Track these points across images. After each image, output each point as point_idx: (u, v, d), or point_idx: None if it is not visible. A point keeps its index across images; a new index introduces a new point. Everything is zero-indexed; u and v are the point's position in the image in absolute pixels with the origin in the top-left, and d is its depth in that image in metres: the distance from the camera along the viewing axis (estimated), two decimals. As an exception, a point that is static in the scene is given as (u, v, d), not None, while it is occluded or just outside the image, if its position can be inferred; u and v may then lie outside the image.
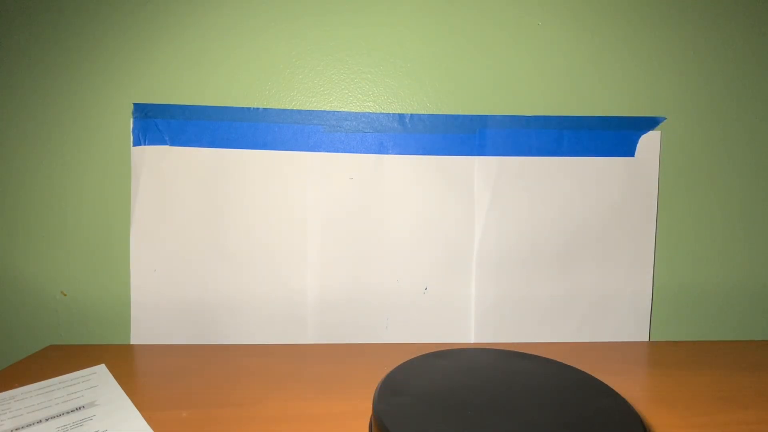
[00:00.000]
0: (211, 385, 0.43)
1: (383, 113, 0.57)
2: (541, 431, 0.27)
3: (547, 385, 0.33)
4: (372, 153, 0.57)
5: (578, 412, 0.29)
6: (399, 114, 0.57)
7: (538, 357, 0.38)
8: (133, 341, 0.57)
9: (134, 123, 0.55)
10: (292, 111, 0.56)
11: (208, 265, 0.57)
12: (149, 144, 0.56)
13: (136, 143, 0.55)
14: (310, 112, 0.56)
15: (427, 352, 0.40)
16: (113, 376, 0.44)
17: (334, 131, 0.57)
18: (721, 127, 0.59)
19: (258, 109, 0.56)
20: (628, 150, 0.58)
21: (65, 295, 0.57)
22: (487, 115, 0.57)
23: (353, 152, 0.57)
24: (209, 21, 0.55)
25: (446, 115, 0.57)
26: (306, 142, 0.56)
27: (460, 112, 0.57)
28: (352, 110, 0.57)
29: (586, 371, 0.37)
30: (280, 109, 0.56)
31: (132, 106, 0.55)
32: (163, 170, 0.56)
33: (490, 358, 0.38)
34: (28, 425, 0.35)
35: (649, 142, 0.58)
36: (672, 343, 0.56)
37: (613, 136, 0.58)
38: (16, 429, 0.34)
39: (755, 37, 0.58)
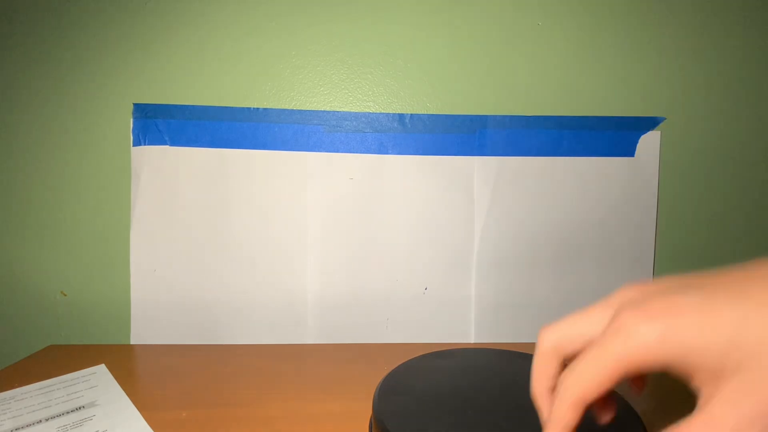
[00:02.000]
0: (211, 385, 0.43)
1: (383, 113, 0.57)
2: (540, 431, 0.27)
3: None
4: (372, 153, 0.57)
5: None
6: (399, 114, 0.57)
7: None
8: (133, 341, 0.57)
9: (134, 123, 0.55)
10: (292, 111, 0.56)
11: (208, 265, 0.57)
12: (149, 144, 0.56)
13: (136, 143, 0.55)
14: (310, 112, 0.56)
15: (427, 352, 0.40)
16: (113, 376, 0.44)
17: (335, 131, 0.57)
18: (721, 127, 0.59)
19: (258, 109, 0.56)
20: (628, 150, 0.58)
21: (65, 295, 0.57)
22: (487, 115, 0.57)
23: (353, 152, 0.57)
24: (209, 21, 0.55)
25: (446, 115, 0.57)
26: (306, 142, 0.56)
27: (460, 112, 0.57)
28: (353, 110, 0.57)
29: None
30: (280, 109, 0.56)
31: (132, 106, 0.55)
32: (163, 170, 0.56)
33: (490, 358, 0.38)
34: (28, 425, 0.35)
35: (649, 142, 0.58)
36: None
37: (612, 136, 0.58)
38: (16, 429, 0.34)
39: (755, 37, 0.58)
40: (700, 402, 0.16)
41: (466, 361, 0.38)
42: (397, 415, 0.30)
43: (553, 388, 0.20)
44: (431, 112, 0.57)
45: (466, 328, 0.59)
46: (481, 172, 0.57)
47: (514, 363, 0.37)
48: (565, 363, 0.20)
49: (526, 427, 0.28)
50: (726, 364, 0.15)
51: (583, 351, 0.18)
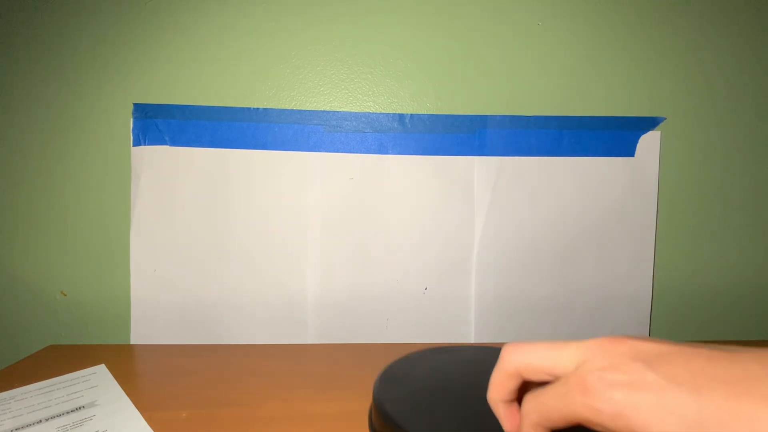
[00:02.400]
0: (211, 385, 0.43)
1: (383, 113, 0.57)
2: None
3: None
4: (372, 153, 0.57)
5: None
6: (399, 114, 0.57)
7: None
8: (133, 341, 0.57)
9: (134, 123, 0.55)
10: (292, 111, 0.56)
11: (208, 265, 0.57)
12: (149, 144, 0.56)
13: (136, 143, 0.55)
14: (310, 112, 0.56)
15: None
16: (113, 376, 0.44)
17: (335, 131, 0.57)
18: (721, 127, 0.59)
19: (258, 109, 0.56)
20: (628, 150, 0.58)
21: (65, 295, 0.57)
22: (487, 115, 0.57)
23: (353, 152, 0.57)
24: (209, 21, 0.55)
25: (446, 115, 0.57)
26: (306, 142, 0.56)
27: (460, 112, 0.57)
28: (353, 110, 0.57)
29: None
30: (280, 109, 0.56)
31: (132, 106, 0.55)
32: (163, 170, 0.56)
33: (489, 355, 0.38)
34: (28, 425, 0.35)
35: (649, 142, 0.58)
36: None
37: (613, 136, 0.58)
38: (16, 429, 0.34)
39: (755, 37, 0.58)
40: None
41: (465, 356, 0.38)
42: (397, 401, 0.30)
43: (508, 401, 0.23)
44: (431, 112, 0.57)
45: (466, 328, 0.59)
46: (481, 172, 0.57)
47: None
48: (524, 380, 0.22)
49: None
50: None
51: (551, 385, 0.20)
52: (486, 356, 0.38)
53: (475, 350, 0.40)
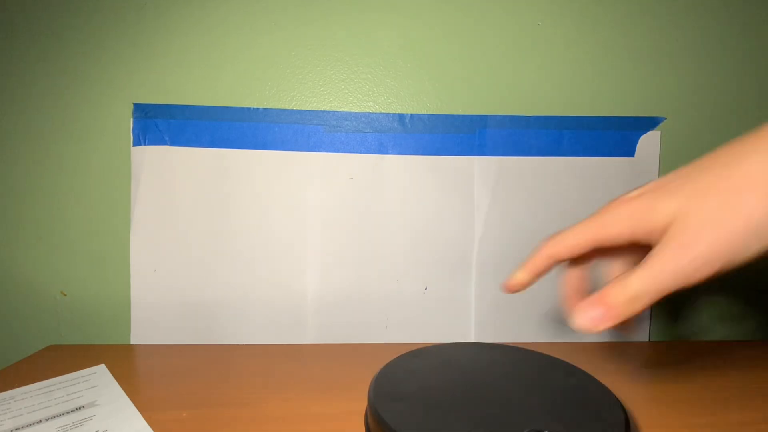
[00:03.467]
0: (211, 385, 0.43)
1: (383, 113, 0.57)
2: (526, 416, 0.29)
3: (519, 370, 0.36)
4: (372, 153, 0.57)
5: (552, 391, 0.32)
6: (399, 114, 0.57)
7: (505, 346, 0.41)
8: (133, 341, 0.57)
9: (134, 123, 0.55)
10: (292, 111, 0.56)
11: (208, 265, 0.57)
12: (149, 144, 0.56)
13: (136, 143, 0.55)
14: (310, 112, 0.56)
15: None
16: (113, 376, 0.44)
17: (335, 131, 0.57)
18: (721, 127, 0.59)
19: (258, 109, 0.56)
20: (628, 150, 0.58)
21: (65, 295, 0.57)
22: (487, 115, 0.57)
23: (353, 152, 0.57)
24: (209, 21, 0.55)
25: (446, 115, 0.57)
26: (306, 142, 0.56)
27: (460, 112, 0.57)
28: (352, 110, 0.57)
29: (585, 370, 0.37)
30: (280, 109, 0.56)
31: (132, 106, 0.55)
32: (163, 170, 0.56)
33: (465, 352, 0.40)
34: (28, 425, 0.35)
35: (649, 142, 0.58)
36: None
37: (613, 136, 0.58)
38: (16, 429, 0.34)
39: (755, 37, 0.58)
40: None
41: (443, 356, 0.39)
42: (391, 403, 0.30)
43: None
44: (431, 112, 0.57)
45: (466, 328, 0.59)
46: (481, 172, 0.57)
47: (487, 354, 0.39)
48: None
49: (517, 416, 0.29)
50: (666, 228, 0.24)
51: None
52: (469, 353, 0.39)
53: (460, 347, 0.41)
